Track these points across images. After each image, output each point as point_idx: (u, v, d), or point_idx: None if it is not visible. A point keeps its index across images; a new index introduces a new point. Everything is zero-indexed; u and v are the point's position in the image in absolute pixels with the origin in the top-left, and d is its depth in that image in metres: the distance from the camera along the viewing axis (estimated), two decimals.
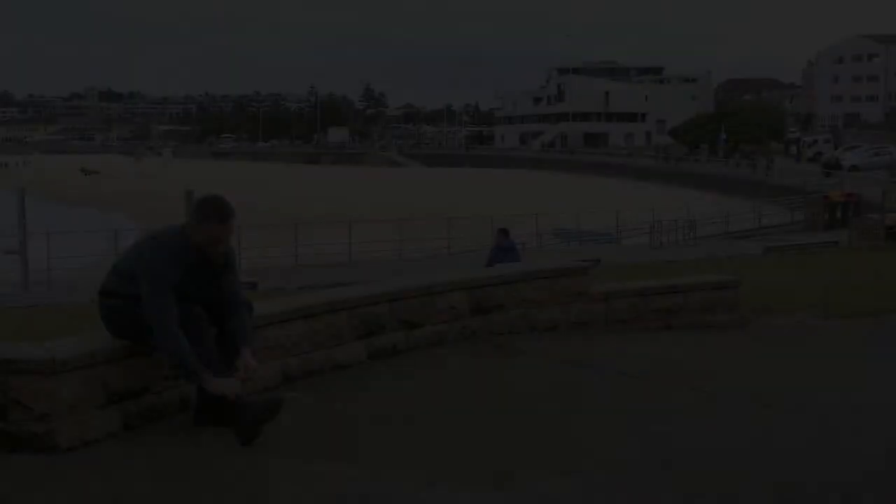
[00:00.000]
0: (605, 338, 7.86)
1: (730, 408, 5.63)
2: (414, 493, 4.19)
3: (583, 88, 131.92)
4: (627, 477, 4.40)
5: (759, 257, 20.95)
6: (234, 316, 5.17)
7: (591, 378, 6.38)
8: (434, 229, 34.40)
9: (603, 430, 5.13)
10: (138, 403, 5.10)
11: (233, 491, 4.20)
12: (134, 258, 5.06)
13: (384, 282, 7.71)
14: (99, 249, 31.85)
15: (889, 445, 4.90)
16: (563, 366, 6.74)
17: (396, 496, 4.16)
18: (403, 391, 5.98)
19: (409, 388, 6.05)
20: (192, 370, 4.90)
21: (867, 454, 4.75)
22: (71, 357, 4.73)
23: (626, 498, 4.14)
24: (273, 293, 12.27)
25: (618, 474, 4.43)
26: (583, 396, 5.88)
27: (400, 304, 7.00)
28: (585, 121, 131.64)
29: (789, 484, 4.32)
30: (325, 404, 5.67)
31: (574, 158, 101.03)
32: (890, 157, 65.88)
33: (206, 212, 5.03)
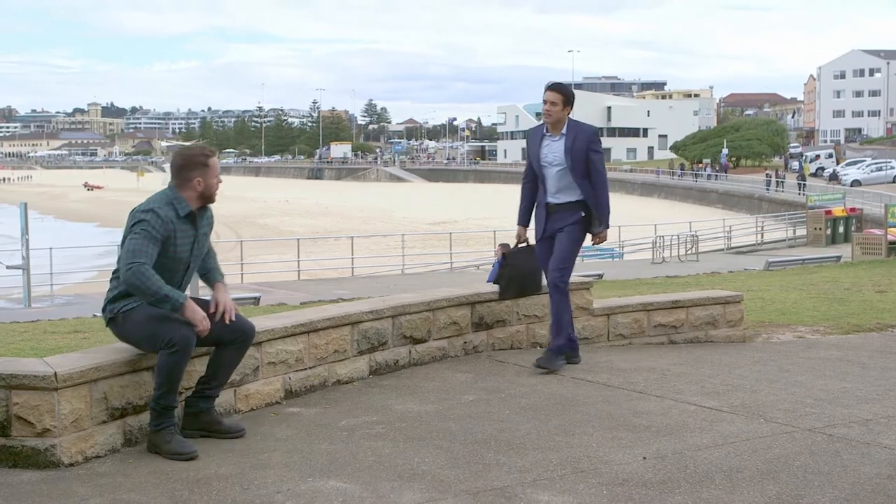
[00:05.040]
0: (608, 353, 7.85)
1: (733, 422, 5.61)
2: None
3: (585, 103, 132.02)
4: (631, 493, 4.38)
5: (761, 272, 20.93)
6: (209, 258, 5.40)
7: (594, 393, 6.37)
8: (436, 244, 34.40)
9: (606, 446, 5.12)
10: (140, 419, 5.10)
11: None
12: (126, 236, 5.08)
13: (386, 297, 7.70)
14: (101, 264, 31.91)
15: (893, 460, 4.88)
16: (566, 381, 6.73)
17: None
18: (405, 407, 5.97)
19: (412, 404, 6.04)
20: (169, 296, 4.92)
21: (869, 469, 4.74)
22: (73, 372, 4.73)
23: None
24: (276, 308, 12.26)
25: (621, 490, 4.42)
26: (585, 412, 5.87)
27: (402, 320, 7.00)
28: None
29: (793, 496, 4.31)
30: (326, 419, 5.66)
31: None
32: (892, 171, 65.98)
33: (187, 163, 5.16)
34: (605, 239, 7.17)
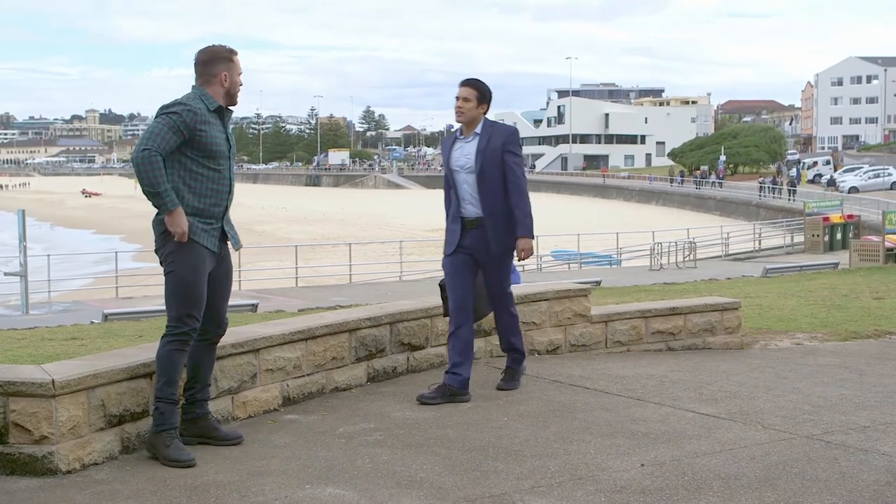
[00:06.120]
0: (606, 360, 7.85)
1: (730, 429, 5.61)
2: None
3: (583, 110, 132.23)
4: (629, 500, 4.38)
5: (758, 279, 20.94)
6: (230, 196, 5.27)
7: (592, 400, 6.37)
8: (434, 251, 34.38)
9: (604, 453, 5.12)
10: (137, 426, 5.10)
11: None
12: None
13: (384, 304, 7.70)
14: (98, 271, 31.91)
15: (891, 467, 4.88)
16: (563, 388, 6.73)
17: None
18: (403, 414, 5.97)
19: (410, 411, 6.03)
20: (164, 197, 4.87)
21: (869, 476, 4.74)
22: (70, 380, 4.73)
23: None
24: (273, 315, 12.26)
25: (619, 498, 4.42)
26: (583, 419, 5.87)
27: (400, 327, 7.00)
28: (585, 143, 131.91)
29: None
30: (324, 427, 5.66)
31: (576, 181, 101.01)
32: (889, 178, 66.10)
33: (212, 58, 5.14)
34: (529, 251, 6.28)
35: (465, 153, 6.25)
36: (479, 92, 6.25)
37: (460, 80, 6.36)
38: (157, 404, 5.00)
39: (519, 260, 6.38)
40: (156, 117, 5.00)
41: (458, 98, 6.27)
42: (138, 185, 4.96)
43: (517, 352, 6.68)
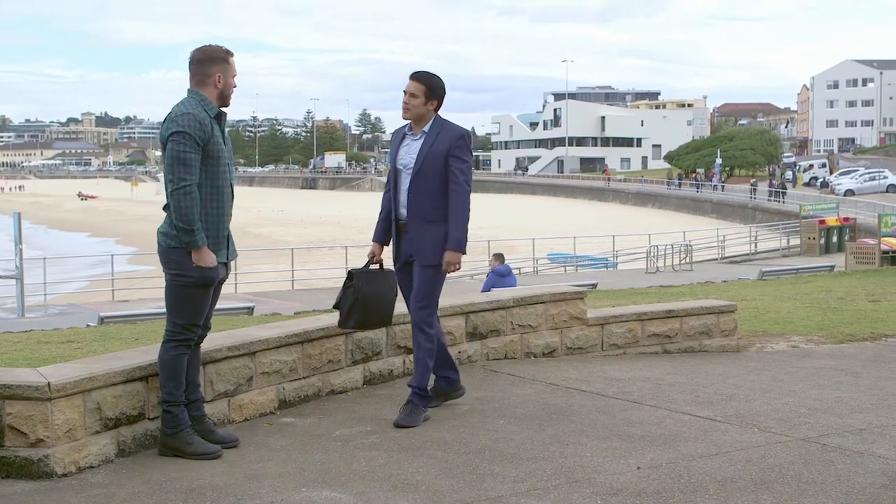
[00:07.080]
0: (602, 362, 7.85)
1: (727, 432, 5.62)
2: None
3: (579, 113, 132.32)
4: (625, 503, 4.38)
5: (754, 282, 20.96)
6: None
7: (588, 403, 6.37)
8: None
9: (600, 456, 5.12)
10: (133, 429, 5.10)
11: None
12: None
13: None
14: (94, 274, 31.86)
15: (887, 470, 4.89)
16: (560, 391, 6.73)
17: None
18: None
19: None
20: (195, 234, 4.92)
21: (865, 479, 4.74)
22: (66, 382, 4.73)
23: None
24: (270, 318, 12.24)
25: (615, 500, 4.42)
26: (579, 422, 5.87)
27: (396, 330, 6.99)
28: (581, 145, 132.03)
29: None
30: (321, 429, 5.66)
31: (572, 184, 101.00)
32: (885, 180, 66.19)
33: (207, 57, 5.15)
34: (455, 265, 5.77)
35: (411, 152, 5.83)
36: (427, 87, 5.76)
37: (410, 73, 5.89)
38: (169, 408, 5.03)
39: (443, 270, 5.83)
40: (169, 137, 4.97)
41: (405, 92, 5.80)
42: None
43: (422, 386, 5.88)
